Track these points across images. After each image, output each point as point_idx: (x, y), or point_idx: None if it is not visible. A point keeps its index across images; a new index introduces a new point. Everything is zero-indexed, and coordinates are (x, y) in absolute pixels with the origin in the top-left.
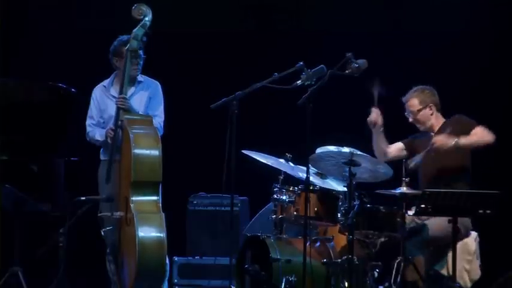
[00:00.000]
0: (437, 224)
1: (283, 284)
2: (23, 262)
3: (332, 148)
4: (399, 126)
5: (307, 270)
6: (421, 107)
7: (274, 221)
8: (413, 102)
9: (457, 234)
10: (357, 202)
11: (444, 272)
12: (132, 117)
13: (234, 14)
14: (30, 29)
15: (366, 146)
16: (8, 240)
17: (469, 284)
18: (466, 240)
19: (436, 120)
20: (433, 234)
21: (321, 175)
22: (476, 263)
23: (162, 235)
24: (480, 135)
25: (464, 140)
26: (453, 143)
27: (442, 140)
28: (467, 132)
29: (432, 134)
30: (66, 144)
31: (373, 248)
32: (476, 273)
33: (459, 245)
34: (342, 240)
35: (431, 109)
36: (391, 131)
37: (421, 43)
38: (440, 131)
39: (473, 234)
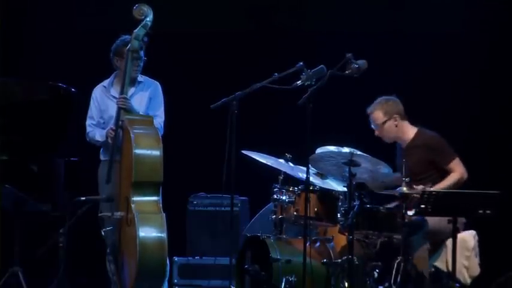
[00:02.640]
0: (435, 218)
1: (283, 284)
2: (23, 262)
3: (332, 148)
4: None
5: (307, 271)
6: (385, 119)
7: (274, 221)
8: (377, 114)
9: (457, 234)
10: (356, 202)
11: (440, 264)
12: (132, 117)
13: (234, 14)
14: (30, 28)
15: (366, 146)
16: (8, 240)
17: (468, 280)
18: (464, 236)
19: (403, 129)
20: (432, 228)
21: (321, 175)
22: (475, 260)
23: (163, 235)
24: (456, 177)
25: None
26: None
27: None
28: (445, 163)
29: (401, 144)
30: (66, 144)
31: (373, 248)
32: (475, 270)
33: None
34: (342, 240)
35: (395, 120)
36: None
37: (421, 43)
38: (413, 143)
39: (472, 232)
